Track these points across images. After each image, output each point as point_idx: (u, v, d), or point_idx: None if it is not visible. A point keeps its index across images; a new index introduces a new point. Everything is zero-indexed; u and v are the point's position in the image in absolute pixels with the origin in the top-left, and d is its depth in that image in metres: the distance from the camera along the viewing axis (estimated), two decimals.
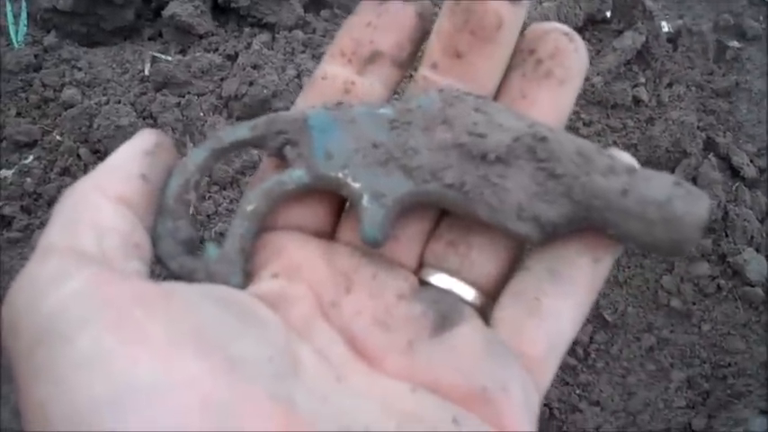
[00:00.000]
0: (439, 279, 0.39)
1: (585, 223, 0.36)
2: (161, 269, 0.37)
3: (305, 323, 0.35)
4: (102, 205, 0.34)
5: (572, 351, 1.11)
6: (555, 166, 0.36)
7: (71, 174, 1.22)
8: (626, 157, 0.37)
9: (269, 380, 0.30)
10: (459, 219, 0.39)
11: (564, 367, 1.10)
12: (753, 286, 1.13)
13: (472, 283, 0.38)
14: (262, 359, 0.30)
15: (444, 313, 0.37)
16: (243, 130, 0.39)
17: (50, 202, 1.19)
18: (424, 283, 0.39)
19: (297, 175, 0.38)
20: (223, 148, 0.39)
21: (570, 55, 0.38)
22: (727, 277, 1.15)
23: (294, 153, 0.38)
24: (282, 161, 0.39)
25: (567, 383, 1.09)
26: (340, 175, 0.37)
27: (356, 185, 0.37)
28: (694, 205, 0.34)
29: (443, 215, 0.40)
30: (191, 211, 0.38)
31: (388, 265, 0.39)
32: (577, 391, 1.09)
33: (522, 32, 0.39)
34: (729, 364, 1.10)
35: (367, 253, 0.39)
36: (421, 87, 0.39)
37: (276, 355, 0.31)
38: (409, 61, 0.40)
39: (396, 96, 0.42)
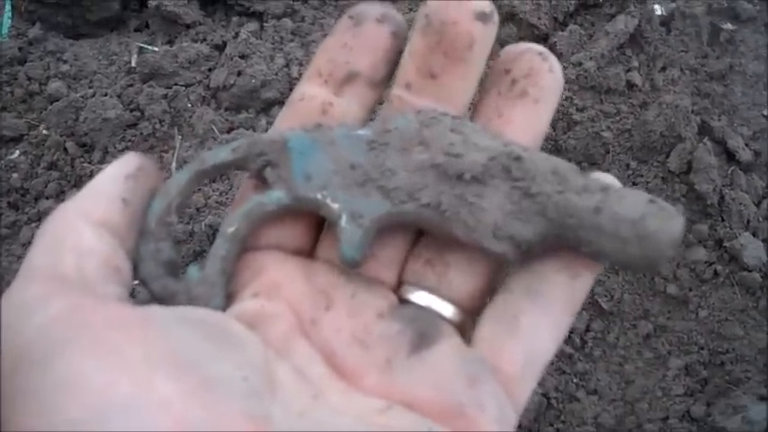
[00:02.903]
0: (419, 297, 0.39)
1: (560, 242, 0.37)
2: (142, 291, 0.38)
3: (284, 341, 0.36)
4: (83, 229, 0.35)
5: (568, 339, 1.11)
6: (530, 185, 0.36)
7: (58, 168, 1.21)
8: (605, 177, 0.38)
9: (244, 399, 0.30)
10: (438, 237, 0.39)
11: (561, 356, 1.10)
12: (750, 271, 1.12)
13: (451, 301, 0.39)
14: (237, 379, 0.31)
15: (422, 331, 0.37)
16: (225, 153, 0.40)
17: (38, 198, 1.19)
18: (404, 301, 0.39)
19: (276, 196, 0.38)
20: (205, 170, 0.40)
21: (544, 75, 0.39)
22: (724, 262, 1.14)
23: (274, 175, 0.39)
24: (263, 182, 0.39)
25: (564, 372, 1.09)
26: (319, 196, 0.38)
27: (335, 206, 0.38)
28: (668, 223, 0.34)
29: (422, 233, 0.40)
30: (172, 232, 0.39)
31: (367, 283, 0.39)
32: (574, 380, 1.09)
33: (498, 52, 0.40)
34: (727, 351, 1.10)
35: (346, 271, 0.39)
36: (395, 108, 0.40)
37: (252, 375, 0.32)
38: (385, 81, 0.41)
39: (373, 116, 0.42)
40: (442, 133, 0.38)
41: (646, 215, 0.34)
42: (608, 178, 0.38)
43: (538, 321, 0.37)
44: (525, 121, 0.39)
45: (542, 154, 0.38)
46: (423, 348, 0.37)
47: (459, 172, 0.37)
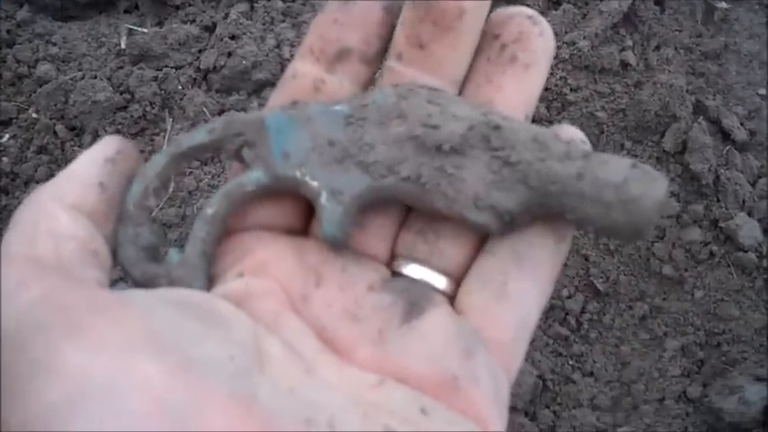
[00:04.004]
0: (411, 269, 0.39)
1: (543, 210, 0.36)
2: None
3: (273, 317, 0.35)
4: (59, 213, 0.34)
5: (564, 321, 1.11)
6: (510, 154, 0.36)
7: (48, 152, 1.20)
8: (578, 134, 0.38)
9: (229, 378, 0.30)
10: (420, 211, 0.39)
11: (556, 338, 1.09)
12: (745, 251, 1.12)
13: (443, 272, 0.39)
14: (222, 359, 0.30)
15: (413, 301, 0.37)
16: (201, 134, 0.39)
17: (28, 182, 1.18)
18: (397, 275, 0.39)
19: (255, 176, 0.38)
20: (182, 153, 0.39)
21: (535, 39, 0.39)
22: (720, 243, 1.14)
23: (252, 154, 0.38)
24: (241, 163, 0.39)
25: (560, 354, 1.09)
26: (297, 174, 0.38)
27: (314, 184, 0.37)
28: (651, 186, 0.34)
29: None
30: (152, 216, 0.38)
31: (357, 257, 0.39)
32: (570, 362, 1.09)
33: (488, 17, 0.39)
34: (724, 331, 1.10)
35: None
36: (387, 78, 0.40)
37: (239, 353, 0.31)
38: (379, 56, 0.40)
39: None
40: (419, 105, 0.37)
41: (628, 179, 0.34)
42: (573, 131, 0.38)
43: (525, 287, 0.37)
44: (516, 87, 0.39)
45: (522, 122, 0.37)
46: (414, 317, 0.36)
47: (437, 143, 0.37)
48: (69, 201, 0.35)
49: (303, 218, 0.40)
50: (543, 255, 0.37)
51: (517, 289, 0.37)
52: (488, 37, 0.39)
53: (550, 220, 0.37)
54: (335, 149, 0.38)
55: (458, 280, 0.39)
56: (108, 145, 0.37)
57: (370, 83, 0.41)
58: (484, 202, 0.36)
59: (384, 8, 0.39)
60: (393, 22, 0.40)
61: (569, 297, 1.11)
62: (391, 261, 0.40)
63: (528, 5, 1.28)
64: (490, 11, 0.39)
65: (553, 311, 1.10)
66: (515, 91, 0.39)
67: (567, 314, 1.11)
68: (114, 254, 0.37)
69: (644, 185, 0.34)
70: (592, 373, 1.08)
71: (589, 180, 0.35)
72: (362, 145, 0.37)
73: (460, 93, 0.40)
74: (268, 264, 0.37)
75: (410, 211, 0.40)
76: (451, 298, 0.38)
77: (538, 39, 0.39)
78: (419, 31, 0.38)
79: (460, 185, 0.37)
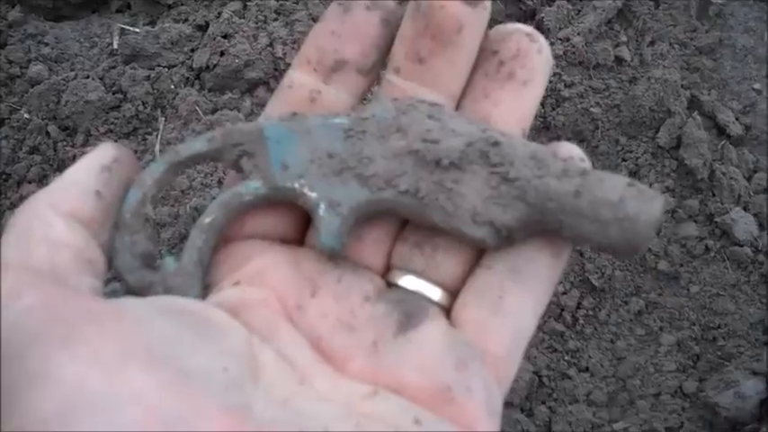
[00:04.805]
0: (407, 281, 0.39)
1: (541, 227, 0.37)
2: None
3: (268, 327, 0.36)
4: (55, 221, 0.34)
5: (560, 317, 1.10)
6: (508, 170, 0.36)
7: (40, 152, 1.19)
8: (576, 151, 0.38)
9: (222, 390, 0.30)
10: (418, 224, 0.39)
11: (552, 334, 1.09)
12: (741, 246, 1.12)
13: (438, 284, 0.39)
14: (215, 370, 0.31)
15: (409, 312, 0.37)
16: (200, 143, 0.39)
17: (20, 182, 1.18)
18: (392, 286, 0.39)
19: (254, 186, 0.38)
20: (180, 161, 0.39)
21: (533, 56, 0.39)
22: (715, 237, 1.14)
23: (250, 165, 0.39)
24: (240, 173, 0.39)
25: (556, 350, 1.08)
26: (296, 185, 0.38)
27: (312, 195, 0.38)
28: (647, 205, 0.34)
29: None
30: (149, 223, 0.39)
31: (353, 268, 0.39)
32: (566, 358, 1.08)
33: (486, 32, 0.40)
34: (719, 326, 1.09)
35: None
36: (385, 92, 0.40)
37: (232, 364, 0.31)
38: (375, 68, 0.41)
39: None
40: (419, 120, 0.38)
41: (625, 198, 0.35)
42: (571, 148, 0.38)
43: (522, 301, 0.37)
44: (513, 103, 0.39)
45: (521, 139, 0.38)
46: (409, 329, 0.36)
47: (436, 158, 0.37)
48: (65, 208, 0.35)
49: (299, 228, 0.41)
50: (540, 269, 0.38)
51: (513, 303, 0.37)
52: (487, 53, 0.40)
53: (547, 235, 0.37)
54: (334, 162, 0.38)
55: (454, 293, 0.39)
56: (105, 152, 0.37)
57: (366, 94, 0.41)
58: (482, 217, 0.37)
59: (382, 20, 0.40)
60: (391, 34, 0.40)
61: (565, 293, 1.11)
62: (387, 272, 0.40)
63: (522, 2, 1.28)
64: (489, 26, 0.39)
65: (549, 307, 1.10)
66: (512, 107, 0.39)
67: (562, 310, 1.10)
68: (110, 261, 0.37)
69: (640, 204, 0.34)
70: (587, 369, 1.08)
71: (586, 198, 0.35)
72: (361, 158, 0.38)
73: (457, 107, 0.40)
74: (264, 273, 0.38)
75: (407, 222, 0.40)
76: (447, 310, 0.38)
77: (536, 56, 0.39)
78: (418, 45, 0.38)
79: (459, 200, 0.37)
